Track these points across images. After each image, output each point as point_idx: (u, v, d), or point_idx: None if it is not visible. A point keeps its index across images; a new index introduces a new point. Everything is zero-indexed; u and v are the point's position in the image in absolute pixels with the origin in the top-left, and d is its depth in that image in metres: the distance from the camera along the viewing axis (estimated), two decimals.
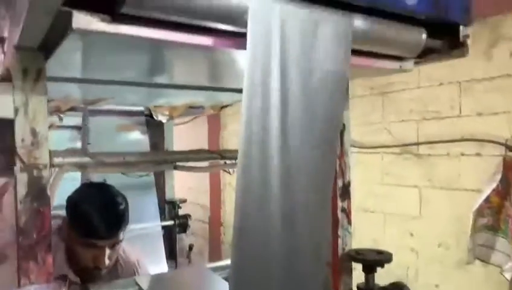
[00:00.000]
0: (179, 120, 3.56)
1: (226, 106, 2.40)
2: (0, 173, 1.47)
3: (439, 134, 2.88)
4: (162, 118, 2.51)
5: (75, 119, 2.61)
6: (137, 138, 2.89)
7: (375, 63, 1.36)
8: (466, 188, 2.72)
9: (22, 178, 1.08)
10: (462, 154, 2.76)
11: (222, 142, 5.08)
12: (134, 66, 1.39)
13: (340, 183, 1.57)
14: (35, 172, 1.10)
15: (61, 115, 2.24)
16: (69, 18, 0.84)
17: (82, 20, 0.84)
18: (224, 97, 2.15)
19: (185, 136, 4.62)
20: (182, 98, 2.16)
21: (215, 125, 5.12)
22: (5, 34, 1.26)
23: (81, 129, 2.64)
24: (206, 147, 4.66)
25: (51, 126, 2.33)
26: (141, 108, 2.68)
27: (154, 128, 2.94)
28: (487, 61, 2.61)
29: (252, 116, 1.01)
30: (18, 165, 1.08)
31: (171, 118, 2.51)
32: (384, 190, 3.24)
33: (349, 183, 1.60)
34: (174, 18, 0.92)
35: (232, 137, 4.90)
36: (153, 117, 2.62)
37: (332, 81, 1.14)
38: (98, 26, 0.85)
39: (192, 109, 2.36)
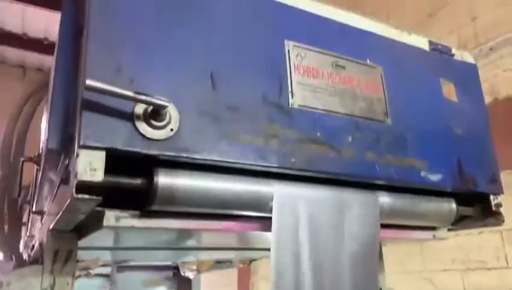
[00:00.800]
0: None
1: (255, 260, 2.33)
2: None
3: (488, 287, 2.62)
4: (190, 274, 2.45)
5: (104, 270, 2.59)
6: None
7: (408, 235, 1.32)
8: None
9: None
10: None
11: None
12: (163, 238, 1.41)
13: None
14: None
15: (90, 271, 2.22)
16: (101, 215, 0.87)
17: (112, 218, 0.87)
18: (254, 253, 2.10)
19: (213, 280, 4.44)
20: (210, 255, 2.13)
21: (244, 270, 4.94)
22: (45, 209, 1.33)
23: (109, 279, 2.59)
24: None
25: (79, 276, 2.31)
26: (169, 263, 2.65)
27: (182, 283, 2.85)
28: None
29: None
30: None
31: (198, 272, 2.45)
32: None
33: None
34: (202, 210, 0.94)
35: (262, 281, 4.66)
36: (180, 272, 2.57)
37: (363, 254, 1.10)
38: (127, 223, 0.89)
39: (220, 264, 2.30)
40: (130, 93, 0.76)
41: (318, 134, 1.06)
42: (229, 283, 4.93)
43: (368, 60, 1.19)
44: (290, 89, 1.04)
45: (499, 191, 1.33)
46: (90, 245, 1.41)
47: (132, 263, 2.22)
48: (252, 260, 2.32)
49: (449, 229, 1.42)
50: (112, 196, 0.88)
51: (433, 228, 1.36)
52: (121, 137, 0.79)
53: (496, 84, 2.70)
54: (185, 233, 1.37)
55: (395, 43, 1.28)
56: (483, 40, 2.76)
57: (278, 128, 1.00)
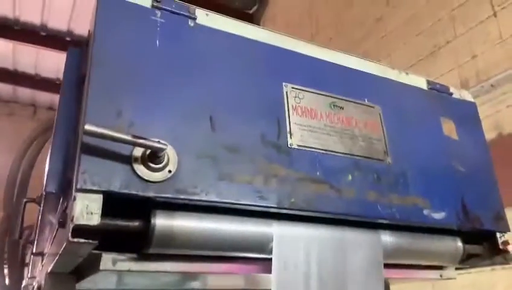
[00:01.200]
0: None
1: None
2: None
3: None
4: None
5: None
6: None
7: (414, 274, 1.28)
8: None
9: None
10: None
11: None
12: (166, 280, 1.38)
13: None
14: None
15: None
16: (98, 258, 0.87)
17: (109, 261, 0.86)
18: None
19: None
20: None
21: None
22: (45, 251, 1.33)
23: None
24: None
25: None
26: None
27: None
28: None
29: None
30: None
31: None
32: None
33: None
34: (201, 253, 0.93)
35: None
36: None
37: None
38: (124, 266, 0.88)
39: None
40: (128, 138, 0.78)
41: (318, 173, 1.06)
42: None
43: (366, 100, 1.21)
44: (288, 129, 1.06)
45: (505, 229, 1.30)
46: (89, 288, 1.38)
47: None
48: None
49: (457, 268, 1.38)
50: (109, 239, 0.88)
51: (440, 267, 1.33)
52: (118, 180, 0.80)
53: (500, 120, 2.70)
54: (187, 275, 1.34)
55: (392, 83, 1.30)
56: (484, 77, 2.79)
57: (277, 168, 1.00)
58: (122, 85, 0.88)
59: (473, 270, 2.73)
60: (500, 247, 1.29)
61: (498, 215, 1.30)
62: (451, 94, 1.42)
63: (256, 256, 1.01)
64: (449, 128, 1.33)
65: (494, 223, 1.28)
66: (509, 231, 1.32)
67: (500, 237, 1.30)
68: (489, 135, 2.63)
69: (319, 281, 1.01)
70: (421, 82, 1.37)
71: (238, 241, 0.96)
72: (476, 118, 1.45)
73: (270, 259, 0.99)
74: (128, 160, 0.82)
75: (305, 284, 1.00)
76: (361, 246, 1.09)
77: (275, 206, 0.98)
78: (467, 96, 1.46)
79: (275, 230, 1.00)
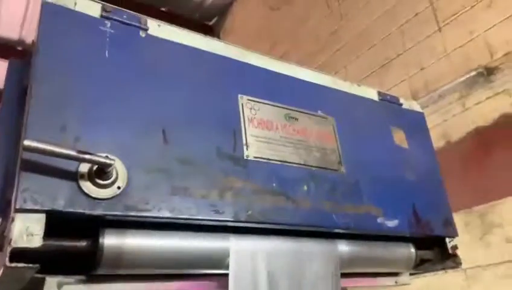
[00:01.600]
0: None
1: None
2: None
3: None
4: None
5: None
6: None
7: (370, 282, 1.30)
8: None
9: None
10: None
11: None
12: None
13: None
14: None
15: None
16: (41, 282, 0.81)
17: (54, 284, 0.81)
18: None
19: None
20: None
21: None
22: None
23: None
24: None
25: None
26: None
27: None
28: (486, 248, 2.56)
29: None
30: None
31: None
32: None
33: None
34: (154, 271, 0.90)
35: None
36: None
37: None
38: (71, 289, 0.82)
39: None
40: (72, 153, 0.74)
41: (274, 185, 1.05)
42: None
43: (319, 112, 1.23)
44: (244, 141, 1.05)
45: (453, 234, 1.35)
46: None
47: None
48: None
49: (411, 274, 1.42)
50: (55, 260, 0.83)
51: (395, 274, 1.36)
52: (63, 198, 0.76)
53: (447, 129, 2.84)
54: None
55: (345, 94, 1.34)
56: (432, 87, 2.94)
57: (233, 181, 0.99)
58: (67, 98, 0.84)
59: (426, 273, 2.83)
60: (450, 251, 1.34)
61: (447, 221, 1.36)
62: (401, 105, 1.47)
63: (213, 272, 0.99)
64: (400, 137, 1.38)
65: (443, 229, 1.33)
66: (457, 236, 1.37)
67: (449, 242, 1.35)
68: (438, 143, 2.76)
69: None
70: (372, 93, 1.41)
71: (194, 257, 0.94)
72: (425, 127, 1.51)
73: (227, 274, 0.97)
74: (74, 177, 0.78)
75: None
76: (318, 257, 1.09)
77: (231, 219, 0.96)
78: (416, 106, 1.52)
79: (232, 244, 0.98)
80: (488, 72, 2.68)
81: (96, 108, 0.87)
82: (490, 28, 2.62)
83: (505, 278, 2.47)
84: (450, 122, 2.83)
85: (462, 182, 2.64)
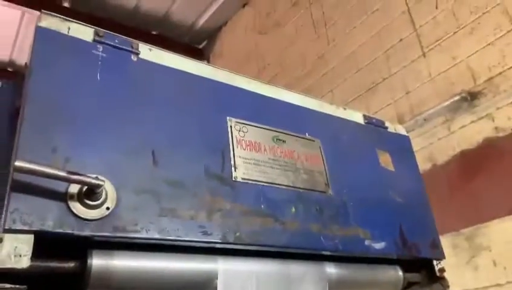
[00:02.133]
0: None
1: None
2: None
3: None
4: None
5: None
6: None
7: None
8: None
9: None
10: None
11: None
12: None
13: None
14: None
15: None
16: None
17: None
18: None
19: None
20: None
21: None
22: None
23: None
24: None
25: None
26: None
27: None
28: (474, 271, 2.57)
29: None
30: None
31: None
32: None
33: None
34: None
35: None
36: None
37: None
38: None
39: None
40: (62, 173, 0.74)
41: (262, 206, 1.06)
42: None
43: (306, 134, 1.26)
44: (233, 163, 1.07)
45: (440, 256, 1.37)
46: None
47: None
48: None
49: None
50: (42, 281, 0.82)
51: None
52: (52, 219, 0.76)
53: (433, 152, 2.90)
54: None
55: (331, 117, 1.37)
56: (418, 111, 3.01)
57: (221, 202, 1.00)
58: (58, 120, 0.85)
59: None
60: (437, 274, 1.35)
61: (434, 243, 1.37)
62: (386, 128, 1.51)
63: None
64: (385, 160, 1.41)
65: (430, 251, 1.35)
66: (444, 258, 1.39)
67: (437, 265, 1.37)
68: (424, 165, 2.81)
69: None
70: (358, 117, 1.45)
71: (182, 279, 0.94)
72: (410, 150, 1.55)
73: None
74: (63, 197, 0.79)
75: None
76: (307, 279, 1.10)
77: (220, 241, 0.97)
78: (401, 130, 1.56)
79: (220, 266, 0.98)
80: (471, 97, 2.76)
81: (87, 130, 0.89)
82: (472, 54, 2.72)
83: None
84: (435, 145, 2.89)
85: (449, 205, 2.68)
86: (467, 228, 2.62)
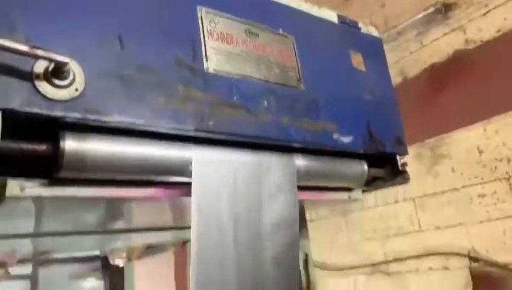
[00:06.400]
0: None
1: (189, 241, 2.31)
2: None
3: (405, 249, 2.86)
4: (119, 262, 2.37)
5: (25, 269, 2.42)
6: (92, 285, 2.67)
7: (325, 196, 1.39)
8: None
9: None
10: (430, 269, 2.71)
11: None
12: (88, 219, 1.35)
13: None
14: None
15: (9, 271, 2.06)
16: (3, 185, 0.82)
17: (16, 187, 0.82)
18: (188, 233, 2.08)
19: (148, 274, 4.32)
20: (141, 239, 2.08)
21: (182, 257, 4.85)
22: None
23: (31, 280, 2.43)
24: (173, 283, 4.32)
25: None
26: (96, 252, 2.54)
27: (113, 273, 2.74)
28: (434, 177, 2.75)
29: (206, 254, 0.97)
30: None
31: (129, 260, 2.37)
32: None
33: None
34: (117, 177, 0.92)
35: None
36: (109, 261, 2.47)
37: (284, 218, 1.14)
38: (34, 192, 0.84)
39: (153, 249, 2.25)
40: (24, 48, 0.71)
41: (235, 98, 1.07)
42: (165, 272, 4.82)
43: (280, 30, 1.23)
44: (204, 54, 1.05)
45: (404, 152, 1.45)
46: (3, 232, 1.31)
47: (55, 256, 2.09)
48: (186, 241, 2.30)
49: (363, 191, 1.52)
50: (16, 165, 0.83)
51: (348, 189, 1.45)
52: (18, 97, 0.74)
53: (405, 65, 2.93)
54: (112, 210, 1.32)
55: (305, 15, 1.34)
56: (391, 25, 2.98)
57: (193, 91, 1.00)
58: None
59: (381, 203, 3.03)
60: (400, 168, 1.43)
61: (399, 140, 1.44)
62: (359, 29, 1.50)
63: (176, 180, 1.02)
64: (357, 60, 1.42)
65: (395, 147, 1.42)
66: (408, 154, 1.47)
67: (400, 160, 1.45)
68: (396, 79, 2.85)
69: (236, 201, 1.06)
70: (332, 16, 1.43)
71: (156, 164, 0.96)
72: (381, 52, 1.56)
73: (191, 183, 1.01)
74: (29, 76, 0.77)
75: (223, 205, 1.04)
76: (277, 169, 1.15)
77: (193, 129, 0.98)
78: (374, 32, 1.56)
79: (194, 153, 1.01)
80: (446, 9, 2.74)
81: (49, 9, 0.84)
82: None
83: (447, 205, 2.70)
84: (407, 59, 2.92)
85: (417, 117, 2.78)
86: (431, 138, 2.75)
